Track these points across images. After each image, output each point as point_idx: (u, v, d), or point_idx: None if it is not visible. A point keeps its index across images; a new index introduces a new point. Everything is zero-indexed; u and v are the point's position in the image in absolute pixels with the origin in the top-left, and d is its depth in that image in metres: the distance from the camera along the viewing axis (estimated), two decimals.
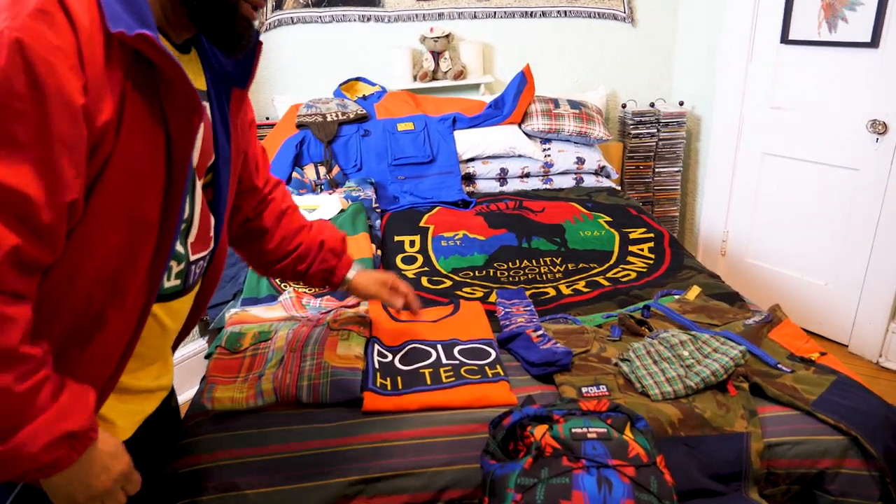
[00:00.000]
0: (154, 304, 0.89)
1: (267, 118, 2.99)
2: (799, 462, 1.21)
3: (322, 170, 2.55)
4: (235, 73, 0.94)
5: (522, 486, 0.93)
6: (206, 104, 0.91)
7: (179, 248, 0.90)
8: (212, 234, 0.98)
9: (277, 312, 1.66)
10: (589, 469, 0.92)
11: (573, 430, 0.98)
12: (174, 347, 1.10)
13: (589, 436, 0.97)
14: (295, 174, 2.51)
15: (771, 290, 2.89)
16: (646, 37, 3.11)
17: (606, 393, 1.29)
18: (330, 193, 2.34)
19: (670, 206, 3.17)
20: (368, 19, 2.95)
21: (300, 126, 2.63)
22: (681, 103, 3.08)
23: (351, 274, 1.36)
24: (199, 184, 0.92)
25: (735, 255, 3.04)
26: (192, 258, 0.94)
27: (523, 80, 2.76)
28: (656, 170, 3.09)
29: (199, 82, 0.91)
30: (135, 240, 0.80)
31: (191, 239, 0.92)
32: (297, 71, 2.98)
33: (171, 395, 1.19)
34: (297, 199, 2.16)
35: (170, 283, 0.92)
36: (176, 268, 0.92)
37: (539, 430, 1.01)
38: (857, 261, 2.55)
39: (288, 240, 1.28)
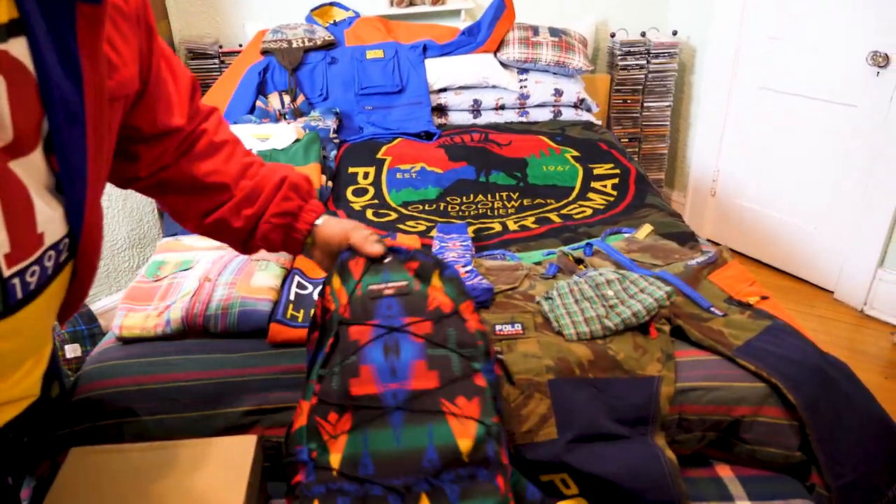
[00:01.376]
0: None
1: (240, 45, 2.88)
2: (714, 409, 1.15)
3: (286, 98, 2.46)
4: None
5: (321, 376, 0.88)
6: (23, 40, 0.61)
7: None
8: (47, 225, 0.69)
9: (209, 242, 1.62)
10: (376, 339, 0.86)
11: (370, 288, 0.90)
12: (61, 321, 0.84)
13: (385, 292, 0.89)
14: (259, 103, 2.42)
15: (758, 232, 2.77)
16: None
17: (520, 332, 1.23)
18: (288, 123, 2.25)
19: (658, 143, 3.02)
20: None
21: (265, 52, 2.52)
22: (674, 33, 2.89)
23: (320, 221, 1.01)
24: (24, 162, 0.65)
25: (725, 196, 2.91)
26: (6, 273, 0.65)
27: (501, 5, 2.59)
28: (645, 104, 2.94)
29: (9, 8, 0.60)
30: None
31: None
32: None
33: (49, 388, 1.01)
34: (246, 128, 2.08)
35: None
36: None
37: (338, 289, 0.93)
38: (848, 205, 2.42)
39: (225, 177, 0.97)
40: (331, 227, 0.99)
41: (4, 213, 0.63)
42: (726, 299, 1.36)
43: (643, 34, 2.91)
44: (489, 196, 1.93)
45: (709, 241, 2.27)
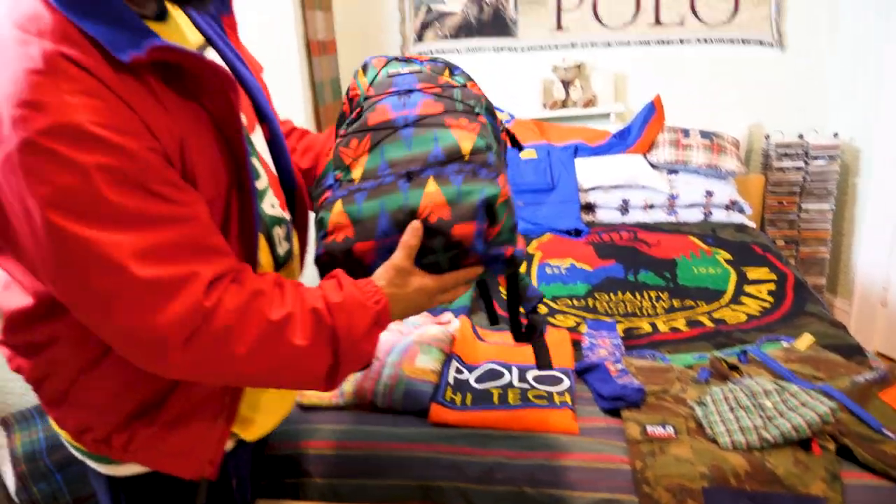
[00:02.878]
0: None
1: None
2: None
3: None
4: (216, 4, 0.92)
5: (349, 124, 0.97)
6: (212, 50, 0.90)
7: (271, 210, 0.91)
8: (275, 186, 0.95)
9: None
10: (393, 93, 0.95)
11: (389, 71, 1.00)
12: None
13: (402, 72, 0.99)
14: None
15: None
16: (796, 62, 2.89)
17: (672, 435, 1.25)
18: None
19: (819, 247, 2.89)
20: (501, 50, 3.05)
21: None
22: (835, 135, 2.82)
23: None
24: (256, 136, 0.92)
25: None
26: (288, 217, 0.96)
27: (652, 109, 2.69)
28: (803, 206, 2.85)
29: (195, 34, 0.88)
30: (221, 216, 0.81)
31: (270, 200, 0.92)
32: None
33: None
34: None
35: (282, 247, 0.94)
36: (281, 232, 0.94)
37: (362, 80, 1.02)
38: None
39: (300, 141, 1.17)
40: None
41: (265, 168, 0.92)
42: None
43: (801, 136, 2.86)
44: (637, 295, 1.97)
45: (879, 354, 2.12)
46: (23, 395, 1.86)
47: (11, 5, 0.69)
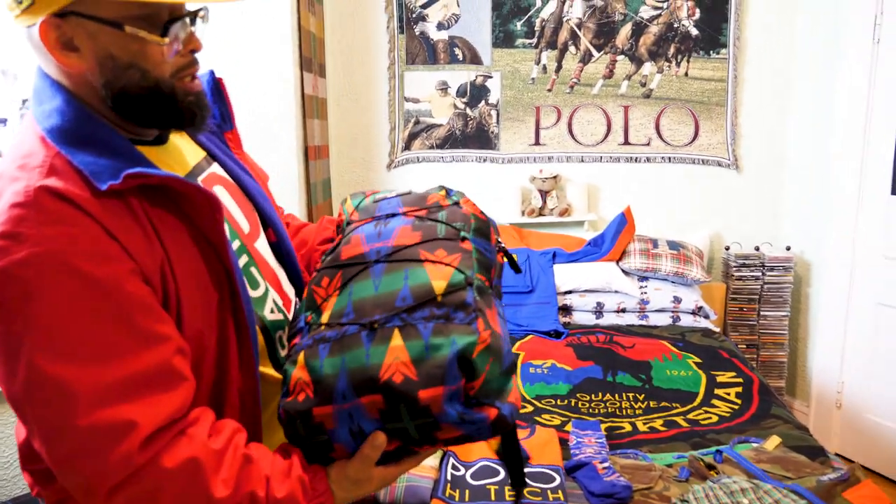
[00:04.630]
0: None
1: None
2: None
3: None
4: (218, 121, 0.98)
5: (328, 254, 0.93)
6: (216, 164, 0.95)
7: (271, 315, 0.92)
8: (287, 287, 0.99)
9: None
10: (375, 219, 0.91)
11: (376, 196, 0.98)
12: None
13: (388, 196, 0.96)
14: None
15: (892, 449, 2.68)
16: (751, 183, 3.20)
17: None
18: None
19: (777, 351, 3.09)
20: (485, 160, 3.30)
21: None
22: (787, 248, 3.09)
23: None
24: (260, 243, 0.96)
25: (852, 409, 2.87)
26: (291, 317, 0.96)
27: (623, 220, 2.93)
28: (762, 313, 3.07)
29: (196, 151, 0.93)
30: (217, 332, 0.83)
31: (270, 306, 0.93)
32: None
33: None
34: None
35: (285, 350, 0.94)
36: (283, 333, 0.95)
37: (349, 207, 1.00)
38: None
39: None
40: None
41: (266, 279, 0.94)
42: None
43: (757, 248, 3.12)
44: (616, 395, 2.09)
45: (837, 455, 2.26)
46: None
47: (16, 145, 0.78)
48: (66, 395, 0.68)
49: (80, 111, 0.77)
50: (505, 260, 0.95)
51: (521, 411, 1.98)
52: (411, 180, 3.33)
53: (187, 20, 0.78)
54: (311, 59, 2.88)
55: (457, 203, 0.92)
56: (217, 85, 0.98)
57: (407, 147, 3.34)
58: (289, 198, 2.68)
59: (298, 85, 2.71)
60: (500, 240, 0.93)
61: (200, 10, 0.80)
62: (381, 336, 0.76)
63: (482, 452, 1.65)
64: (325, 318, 0.82)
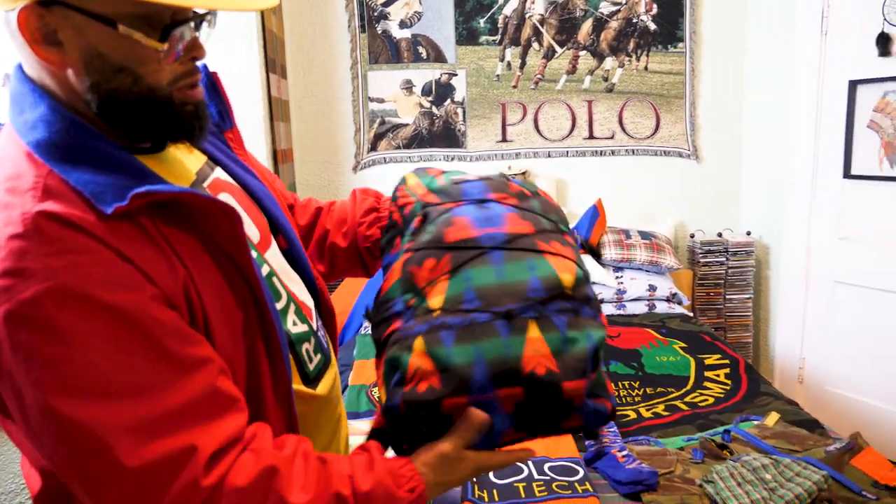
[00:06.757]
0: (304, 387, 0.85)
1: None
2: None
3: None
4: (217, 121, 0.90)
5: (413, 234, 0.87)
6: (219, 169, 0.87)
7: (294, 328, 0.85)
8: (303, 295, 0.92)
9: None
10: (468, 202, 0.86)
11: (452, 178, 0.92)
12: None
13: (468, 178, 0.91)
14: None
15: (854, 418, 2.84)
16: (711, 172, 3.33)
17: None
18: None
19: (743, 332, 3.22)
20: (452, 159, 3.29)
21: None
22: (748, 233, 3.22)
23: None
24: (271, 251, 0.88)
25: (813, 383, 3.02)
26: (315, 327, 0.89)
27: (595, 212, 2.98)
28: (727, 297, 3.19)
29: (197, 157, 0.84)
30: (247, 349, 0.75)
31: (292, 318, 0.86)
32: None
33: None
34: None
35: (312, 362, 0.88)
36: (309, 346, 0.87)
37: (414, 185, 0.94)
38: None
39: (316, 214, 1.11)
40: None
41: (284, 285, 0.86)
42: (873, 483, 1.47)
43: (720, 234, 3.25)
44: (612, 385, 2.12)
45: None
46: None
47: None
48: (106, 441, 0.60)
49: (68, 120, 0.67)
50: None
51: None
52: (378, 181, 3.29)
53: (192, 24, 0.69)
54: (274, 59, 2.80)
55: (536, 193, 0.90)
56: (213, 81, 0.89)
57: (373, 148, 3.29)
58: None
59: (265, 87, 2.62)
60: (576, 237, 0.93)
61: (208, 14, 0.71)
62: (518, 326, 0.73)
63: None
64: (435, 303, 0.76)
